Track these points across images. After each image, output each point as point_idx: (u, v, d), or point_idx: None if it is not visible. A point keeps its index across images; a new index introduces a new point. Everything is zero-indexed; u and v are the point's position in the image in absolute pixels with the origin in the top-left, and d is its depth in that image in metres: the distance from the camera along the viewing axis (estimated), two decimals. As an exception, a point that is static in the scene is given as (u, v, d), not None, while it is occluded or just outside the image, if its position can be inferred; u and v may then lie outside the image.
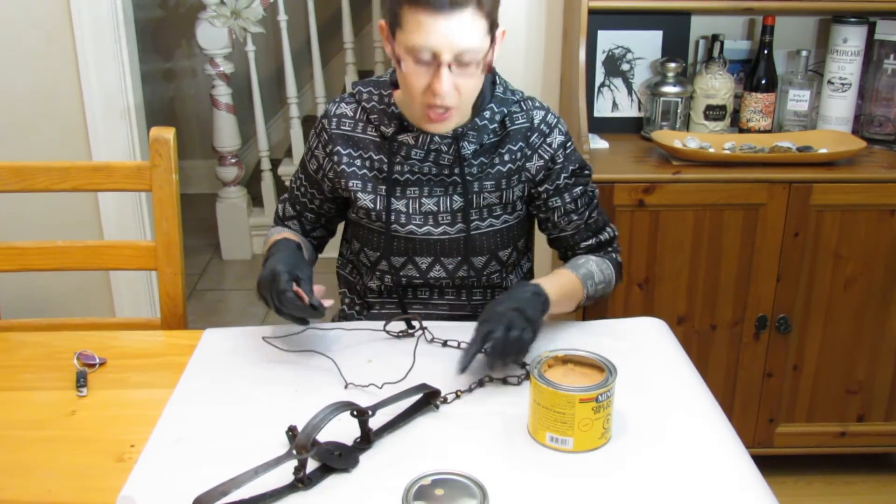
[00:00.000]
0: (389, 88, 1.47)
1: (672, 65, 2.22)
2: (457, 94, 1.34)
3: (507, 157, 1.48)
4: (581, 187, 1.52)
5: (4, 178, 1.62)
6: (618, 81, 2.32)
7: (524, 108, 1.49)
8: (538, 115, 1.49)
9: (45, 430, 1.22)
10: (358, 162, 1.49)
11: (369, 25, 4.25)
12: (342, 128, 1.50)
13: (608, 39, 2.29)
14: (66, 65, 2.38)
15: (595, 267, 1.51)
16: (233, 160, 3.69)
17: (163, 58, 4.23)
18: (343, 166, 1.50)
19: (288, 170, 3.81)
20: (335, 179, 1.52)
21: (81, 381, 1.32)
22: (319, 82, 3.79)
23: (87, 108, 2.40)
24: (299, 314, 1.31)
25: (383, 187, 1.49)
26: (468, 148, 1.45)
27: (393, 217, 1.49)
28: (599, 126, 2.31)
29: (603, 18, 2.26)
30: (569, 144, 1.51)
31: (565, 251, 1.59)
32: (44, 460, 1.15)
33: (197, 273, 3.67)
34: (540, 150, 1.48)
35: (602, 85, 2.32)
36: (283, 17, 3.57)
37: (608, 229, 1.58)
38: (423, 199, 1.49)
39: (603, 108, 2.34)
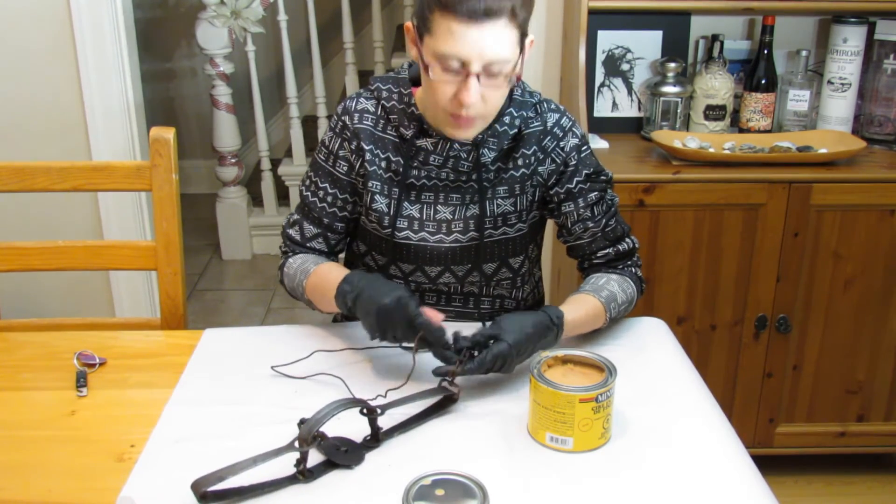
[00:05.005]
0: (409, 86, 1.43)
1: (672, 65, 2.22)
2: (483, 104, 1.31)
3: (520, 162, 1.44)
4: (597, 193, 1.47)
5: (4, 178, 1.62)
6: (618, 81, 2.32)
7: (539, 111, 1.45)
8: (552, 119, 1.45)
9: (45, 430, 1.22)
10: (378, 161, 1.45)
11: (369, 25, 4.25)
12: (364, 123, 1.44)
13: (608, 39, 2.29)
14: (67, 65, 2.38)
15: (617, 287, 1.44)
16: (233, 160, 3.68)
17: (163, 58, 4.23)
18: (366, 164, 1.45)
19: (288, 170, 3.80)
20: (362, 179, 1.46)
21: (81, 381, 1.32)
22: (319, 82, 3.79)
23: (87, 108, 2.40)
24: (434, 337, 1.23)
25: (397, 190, 1.45)
26: (488, 155, 1.42)
27: (406, 224, 1.46)
28: (599, 126, 2.31)
29: (603, 18, 2.26)
30: (584, 148, 1.47)
31: (582, 261, 1.54)
32: (44, 460, 1.15)
33: (197, 273, 3.67)
34: (553, 154, 1.45)
35: (602, 85, 2.32)
36: (283, 17, 3.57)
37: (627, 240, 1.51)
38: (438, 206, 1.45)
39: (603, 108, 2.34)
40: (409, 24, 1.35)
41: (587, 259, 1.53)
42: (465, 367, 1.22)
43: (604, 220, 1.49)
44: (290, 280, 1.51)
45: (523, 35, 1.30)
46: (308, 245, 1.53)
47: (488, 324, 1.28)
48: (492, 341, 1.23)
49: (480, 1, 1.22)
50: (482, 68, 1.27)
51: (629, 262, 1.52)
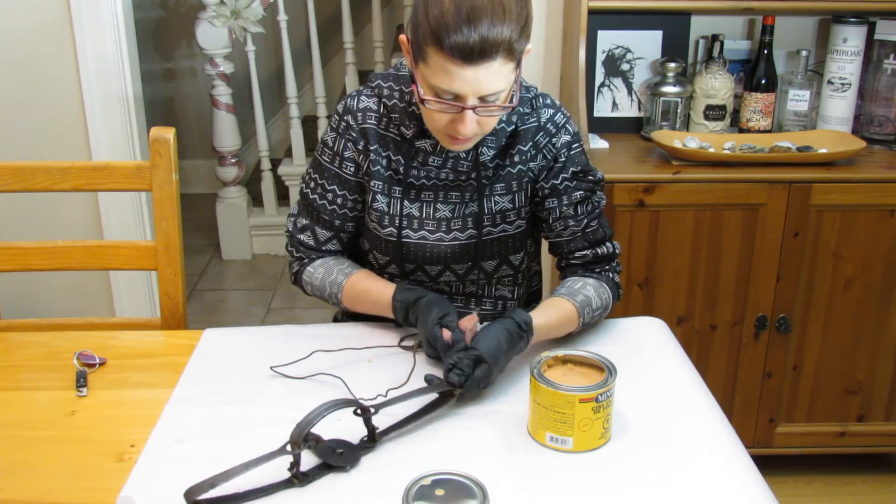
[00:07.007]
0: (410, 84, 1.41)
1: (672, 65, 2.22)
2: (479, 128, 1.31)
3: (517, 159, 1.44)
4: (582, 192, 1.47)
5: (4, 178, 1.62)
6: (618, 81, 2.32)
7: (534, 106, 1.45)
8: (546, 114, 1.45)
9: (45, 430, 1.22)
10: (381, 160, 1.45)
11: (369, 25, 4.25)
12: (368, 122, 1.44)
13: (608, 39, 2.29)
14: (67, 64, 2.38)
15: (592, 292, 1.44)
16: (233, 160, 3.68)
17: (163, 58, 4.23)
18: (370, 163, 1.45)
19: (288, 170, 3.80)
20: (367, 178, 1.46)
21: (81, 381, 1.32)
22: (319, 82, 3.79)
23: (87, 108, 2.40)
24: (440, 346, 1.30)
25: (398, 189, 1.45)
26: (487, 153, 1.42)
27: (405, 223, 1.46)
28: (599, 126, 2.31)
29: (603, 18, 2.26)
30: (574, 146, 1.46)
31: (560, 259, 1.54)
32: (44, 460, 1.15)
33: (197, 273, 3.67)
34: (544, 150, 1.45)
35: (602, 85, 2.32)
36: (283, 17, 3.57)
37: (608, 244, 1.51)
38: (438, 205, 1.46)
39: (603, 108, 2.34)
40: (403, 37, 1.32)
41: (565, 258, 1.53)
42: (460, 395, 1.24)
43: (585, 221, 1.48)
44: (317, 290, 1.52)
45: (519, 61, 1.28)
46: (323, 248, 1.53)
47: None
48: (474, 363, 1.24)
49: (475, 42, 1.20)
50: (478, 100, 1.27)
51: (607, 267, 1.52)
